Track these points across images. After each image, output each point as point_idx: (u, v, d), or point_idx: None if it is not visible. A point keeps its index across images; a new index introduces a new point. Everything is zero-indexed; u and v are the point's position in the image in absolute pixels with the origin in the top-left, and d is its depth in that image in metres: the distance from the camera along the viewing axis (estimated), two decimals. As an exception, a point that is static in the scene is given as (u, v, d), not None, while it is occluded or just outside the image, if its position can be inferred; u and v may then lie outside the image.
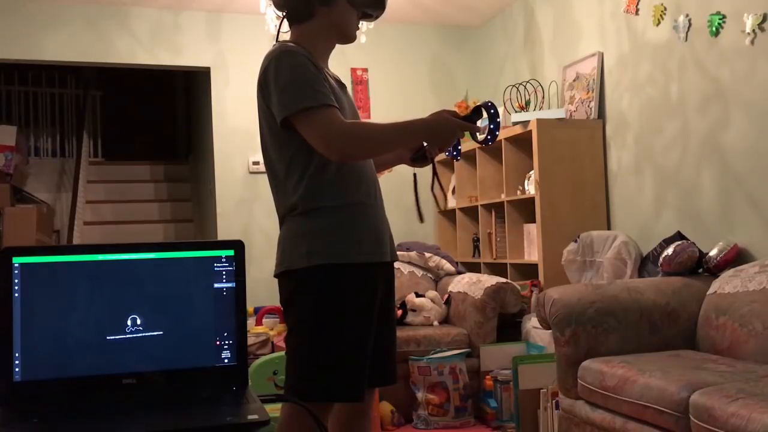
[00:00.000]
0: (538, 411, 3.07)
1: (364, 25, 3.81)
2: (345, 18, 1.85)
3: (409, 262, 4.33)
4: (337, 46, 1.92)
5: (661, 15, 3.40)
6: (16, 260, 1.19)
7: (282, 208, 1.82)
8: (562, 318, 2.68)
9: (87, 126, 7.32)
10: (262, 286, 4.35)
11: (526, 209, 4.03)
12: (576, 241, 3.53)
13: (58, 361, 1.19)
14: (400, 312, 3.87)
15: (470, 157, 4.57)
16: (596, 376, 2.49)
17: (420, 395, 3.49)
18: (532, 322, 3.61)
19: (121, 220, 6.66)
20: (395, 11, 4.82)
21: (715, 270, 2.89)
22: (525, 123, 3.84)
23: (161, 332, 1.24)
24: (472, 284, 3.85)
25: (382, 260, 1.81)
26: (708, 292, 2.77)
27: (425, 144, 1.89)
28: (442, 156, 2.44)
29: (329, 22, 1.84)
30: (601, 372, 2.47)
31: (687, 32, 3.23)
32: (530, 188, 3.89)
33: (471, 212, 4.66)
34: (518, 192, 4.04)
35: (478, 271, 4.40)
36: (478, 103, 1.94)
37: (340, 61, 4.75)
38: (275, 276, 1.81)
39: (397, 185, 4.74)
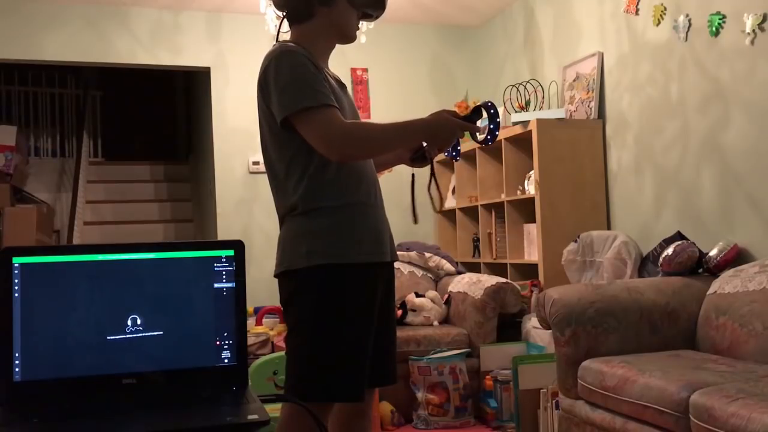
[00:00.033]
0: (538, 411, 3.07)
1: (364, 25, 3.81)
2: (345, 18, 1.85)
3: (409, 262, 4.33)
4: (337, 46, 1.92)
5: (661, 15, 3.40)
6: (16, 260, 1.19)
7: (282, 208, 1.82)
8: (562, 318, 2.68)
9: (87, 126, 7.32)
10: (262, 286, 4.35)
11: (526, 209, 4.03)
12: (576, 241, 3.53)
13: (58, 361, 1.19)
14: (400, 312, 3.87)
15: (470, 157, 4.57)
16: (596, 376, 2.49)
17: (420, 395, 3.49)
18: (532, 322, 3.60)
19: (121, 220, 6.66)
20: (395, 11, 4.82)
21: (715, 270, 2.90)
22: (525, 123, 3.84)
23: (161, 332, 1.24)
24: (472, 284, 3.85)
25: (382, 260, 1.81)
26: (708, 292, 2.77)
27: (425, 144, 1.89)
28: (441, 156, 2.45)
29: (329, 22, 1.84)
30: (601, 372, 2.47)
31: (687, 32, 3.23)
32: (530, 188, 3.89)
33: (471, 212, 4.66)
34: (518, 192, 4.04)
35: (478, 271, 4.40)
36: (478, 103, 1.94)
37: (340, 61, 4.75)
38: (275, 276, 1.81)
39: (397, 185, 4.74)
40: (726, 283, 2.69)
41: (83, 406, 1.16)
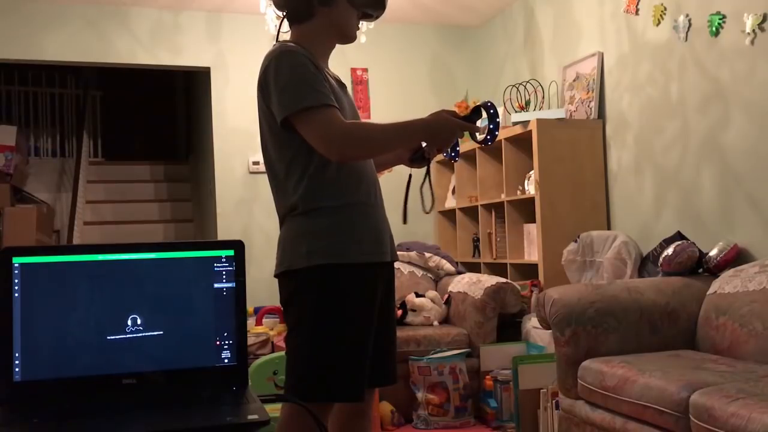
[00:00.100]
0: (538, 411, 3.07)
1: (364, 25, 3.81)
2: (345, 18, 1.85)
3: (409, 262, 4.33)
4: (337, 46, 1.92)
5: (661, 15, 3.40)
6: (16, 260, 1.19)
7: (282, 208, 1.82)
8: (562, 318, 2.68)
9: (87, 126, 7.32)
10: (262, 286, 4.35)
11: (526, 209, 4.03)
12: (576, 241, 3.53)
13: (58, 361, 1.19)
14: (400, 312, 3.87)
15: (470, 157, 4.57)
16: (596, 376, 2.49)
17: (420, 395, 3.49)
18: (532, 322, 3.60)
19: (121, 220, 6.66)
20: (395, 11, 4.82)
21: (715, 270, 2.90)
22: (525, 123, 3.84)
23: (161, 332, 1.24)
24: (472, 284, 3.85)
25: (382, 260, 1.81)
26: (708, 292, 2.77)
27: (424, 144, 1.89)
28: (440, 157, 2.44)
29: (329, 22, 1.84)
30: (601, 372, 2.47)
31: (687, 32, 3.23)
32: (530, 188, 3.89)
33: (471, 212, 4.66)
34: (518, 192, 4.04)
35: (478, 271, 4.40)
36: (477, 103, 1.94)
37: (340, 61, 4.75)
38: (275, 276, 1.81)
39: (397, 185, 4.72)
40: (726, 283, 2.69)
41: (83, 406, 1.16)
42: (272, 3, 1.93)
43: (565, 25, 4.18)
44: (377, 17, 1.92)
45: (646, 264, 3.37)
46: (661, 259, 3.00)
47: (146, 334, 1.23)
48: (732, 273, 2.72)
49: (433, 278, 4.34)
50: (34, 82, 7.44)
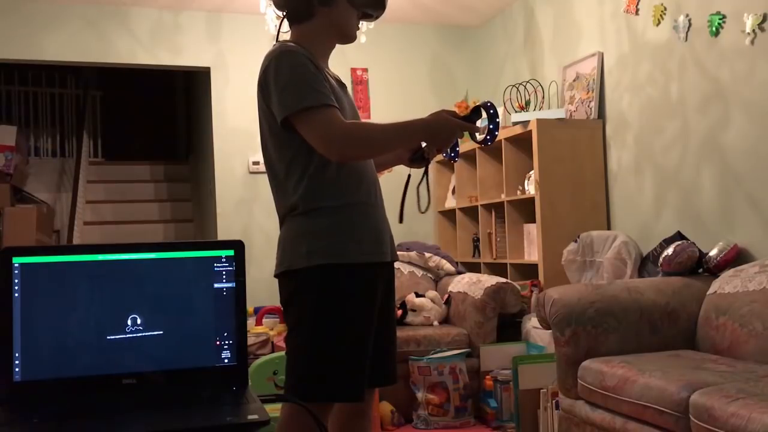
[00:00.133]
0: (538, 411, 3.07)
1: (364, 25, 3.81)
2: (345, 18, 1.85)
3: (409, 262, 4.33)
4: (337, 46, 1.92)
5: (661, 15, 3.40)
6: (16, 260, 1.19)
7: (282, 208, 1.82)
8: (562, 318, 2.68)
9: (87, 126, 7.32)
10: (262, 286, 4.35)
11: (526, 209, 4.03)
12: (576, 241, 3.53)
13: (58, 361, 1.19)
14: (400, 312, 3.87)
15: (470, 157, 4.57)
16: (596, 376, 2.49)
17: (420, 395, 3.49)
18: (532, 322, 3.60)
19: (121, 220, 6.66)
20: (395, 11, 4.82)
21: (715, 270, 2.89)
22: (525, 123, 3.84)
23: (161, 332, 1.24)
24: (472, 284, 3.85)
25: (382, 260, 1.81)
26: (708, 292, 2.77)
27: (423, 145, 1.89)
28: (439, 157, 2.44)
29: (329, 22, 1.84)
30: (601, 372, 2.47)
31: (687, 32, 3.23)
32: (530, 188, 3.89)
33: (471, 212, 4.66)
34: (518, 192, 4.04)
35: (478, 271, 4.40)
36: (477, 104, 1.94)
37: (340, 61, 4.75)
38: (275, 276, 1.81)
39: (397, 185, 4.71)
40: (726, 283, 2.69)
41: (83, 406, 1.16)
42: (272, 3, 1.93)
43: (565, 25, 4.18)
44: (377, 17, 1.92)
45: (646, 264, 3.37)
46: (661, 259, 3.00)
47: (146, 334, 1.23)
48: (732, 273, 2.72)
49: (433, 278, 4.34)
50: (34, 82, 7.44)
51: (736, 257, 2.90)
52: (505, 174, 4.08)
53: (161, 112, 8.46)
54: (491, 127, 1.83)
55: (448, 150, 1.97)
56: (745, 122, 2.95)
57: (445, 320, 3.97)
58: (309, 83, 1.70)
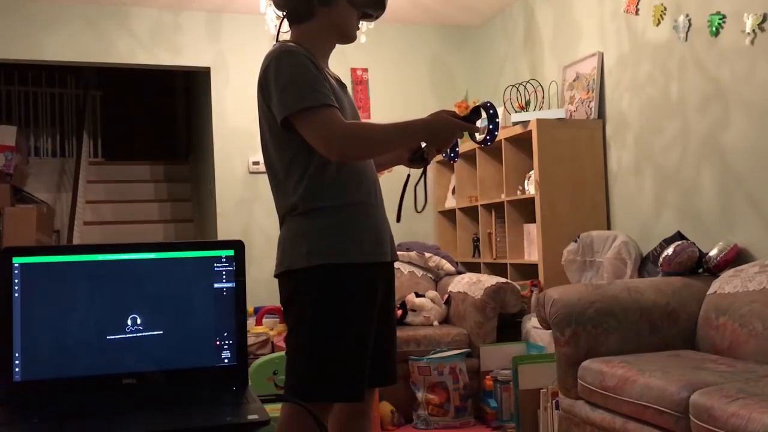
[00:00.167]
0: (538, 411, 3.07)
1: (364, 25, 3.81)
2: (345, 18, 1.85)
3: (409, 262, 4.33)
4: (337, 46, 1.92)
5: (661, 15, 3.40)
6: (16, 260, 1.19)
7: (282, 208, 1.82)
8: (562, 318, 2.68)
9: (87, 126, 7.32)
10: (262, 286, 4.35)
11: (526, 209, 4.03)
12: (576, 241, 3.53)
13: (58, 361, 1.19)
14: (400, 312, 3.87)
15: (470, 157, 4.57)
16: (596, 376, 2.49)
17: (420, 395, 3.49)
18: (532, 322, 3.60)
19: (121, 220, 6.66)
20: (395, 11, 4.82)
21: (715, 270, 2.89)
22: (525, 123, 3.84)
23: (161, 332, 1.24)
24: (472, 284, 3.85)
25: (382, 260, 1.81)
26: (708, 292, 2.77)
27: (423, 145, 1.90)
28: (439, 157, 2.44)
29: (329, 22, 1.84)
30: (601, 372, 2.47)
31: (687, 32, 3.23)
32: (530, 188, 3.89)
33: (471, 212, 4.66)
34: (518, 192, 4.04)
35: (478, 271, 4.40)
36: (477, 104, 1.94)
37: (340, 61, 4.75)
38: (275, 276, 1.81)
39: (397, 185, 4.70)
40: (726, 283, 2.69)
41: (83, 406, 1.16)
42: (272, 3, 1.93)
43: (565, 25, 4.18)
44: (377, 17, 1.92)
45: (646, 264, 3.37)
46: (661, 259, 3.00)
47: (146, 333, 1.23)
48: (732, 273, 2.72)
49: (433, 278, 4.34)
50: (34, 82, 7.44)
51: (736, 257, 2.90)
52: (505, 174, 4.08)
53: (161, 112, 8.46)
54: (491, 127, 1.83)
55: (448, 150, 1.97)
56: (745, 122, 2.95)
57: (445, 320, 3.97)
58: (309, 83, 1.70)
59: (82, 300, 1.21)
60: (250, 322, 3.87)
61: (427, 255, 4.34)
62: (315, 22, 1.83)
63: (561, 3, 4.20)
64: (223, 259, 1.29)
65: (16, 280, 1.19)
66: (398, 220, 1.92)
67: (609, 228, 3.80)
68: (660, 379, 2.21)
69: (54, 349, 1.19)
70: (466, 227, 4.69)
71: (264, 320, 3.87)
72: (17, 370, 1.17)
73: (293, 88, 1.69)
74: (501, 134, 4.00)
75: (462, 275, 4.14)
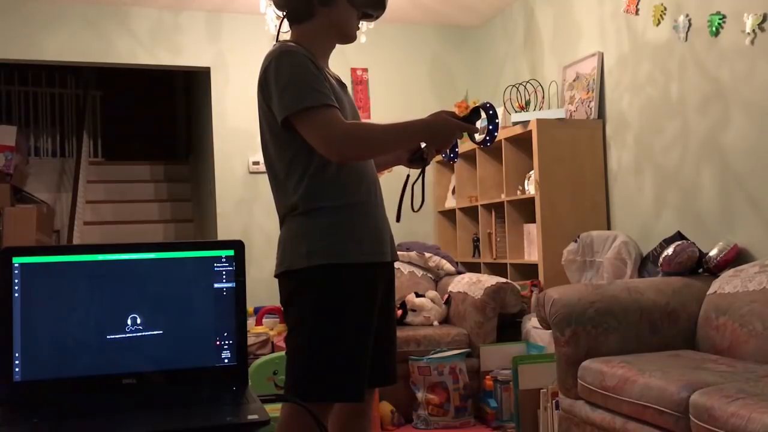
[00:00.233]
0: (538, 411, 3.07)
1: (364, 25, 3.81)
2: (345, 18, 1.85)
3: (409, 262, 4.33)
4: (337, 46, 1.92)
5: (661, 15, 3.40)
6: (16, 260, 1.19)
7: (282, 208, 1.82)
8: (562, 318, 2.68)
9: (87, 126, 7.32)
10: (262, 286, 4.35)
11: (526, 209, 4.03)
12: (576, 241, 3.53)
13: (58, 361, 1.19)
14: (400, 312, 3.87)
15: (470, 157, 4.57)
16: (596, 376, 2.49)
17: (420, 395, 3.49)
18: (532, 322, 3.60)
19: (121, 220, 6.66)
20: (395, 11, 4.82)
21: (715, 270, 2.89)
22: (525, 123, 3.84)
23: (161, 332, 1.24)
24: (472, 284, 3.85)
25: (382, 260, 1.81)
26: (708, 292, 2.77)
27: (423, 145, 1.90)
28: (439, 157, 2.44)
29: (329, 22, 1.84)
30: (601, 372, 2.47)
31: (687, 32, 3.23)
32: (530, 188, 3.89)
33: (471, 212, 4.66)
34: (518, 192, 4.04)
35: (478, 271, 4.40)
36: (477, 104, 1.94)
37: (340, 61, 4.75)
38: (275, 276, 1.81)
39: (397, 185, 4.70)
40: (726, 283, 2.69)
41: (83, 406, 1.16)
42: (272, 3, 1.93)
43: (565, 25, 4.18)
44: (377, 17, 1.92)
45: (646, 264, 3.37)
46: (661, 259, 3.00)
47: (146, 333, 1.23)
48: (732, 273, 2.72)
49: (433, 278, 4.34)
50: (34, 82, 7.44)
51: (736, 257, 2.90)
52: (505, 174, 4.08)
53: (161, 112, 8.46)
54: (490, 127, 1.83)
55: (447, 151, 1.97)
56: (745, 122, 2.95)
57: (445, 320, 3.97)
58: (309, 83, 1.70)
59: (82, 300, 1.21)
60: (250, 322, 3.87)
61: (427, 255, 4.34)
62: (315, 22, 1.83)
63: (561, 3, 4.20)
64: (223, 259, 1.29)
65: (16, 280, 1.19)
66: (398, 220, 1.92)
67: (609, 228, 3.80)
68: (660, 379, 2.21)
69: (54, 349, 1.19)
70: (466, 227, 4.70)
71: (264, 320, 3.87)
72: (17, 370, 1.17)
73: (293, 88, 1.69)
74: (501, 134, 4.00)
75: (462, 275, 4.14)
